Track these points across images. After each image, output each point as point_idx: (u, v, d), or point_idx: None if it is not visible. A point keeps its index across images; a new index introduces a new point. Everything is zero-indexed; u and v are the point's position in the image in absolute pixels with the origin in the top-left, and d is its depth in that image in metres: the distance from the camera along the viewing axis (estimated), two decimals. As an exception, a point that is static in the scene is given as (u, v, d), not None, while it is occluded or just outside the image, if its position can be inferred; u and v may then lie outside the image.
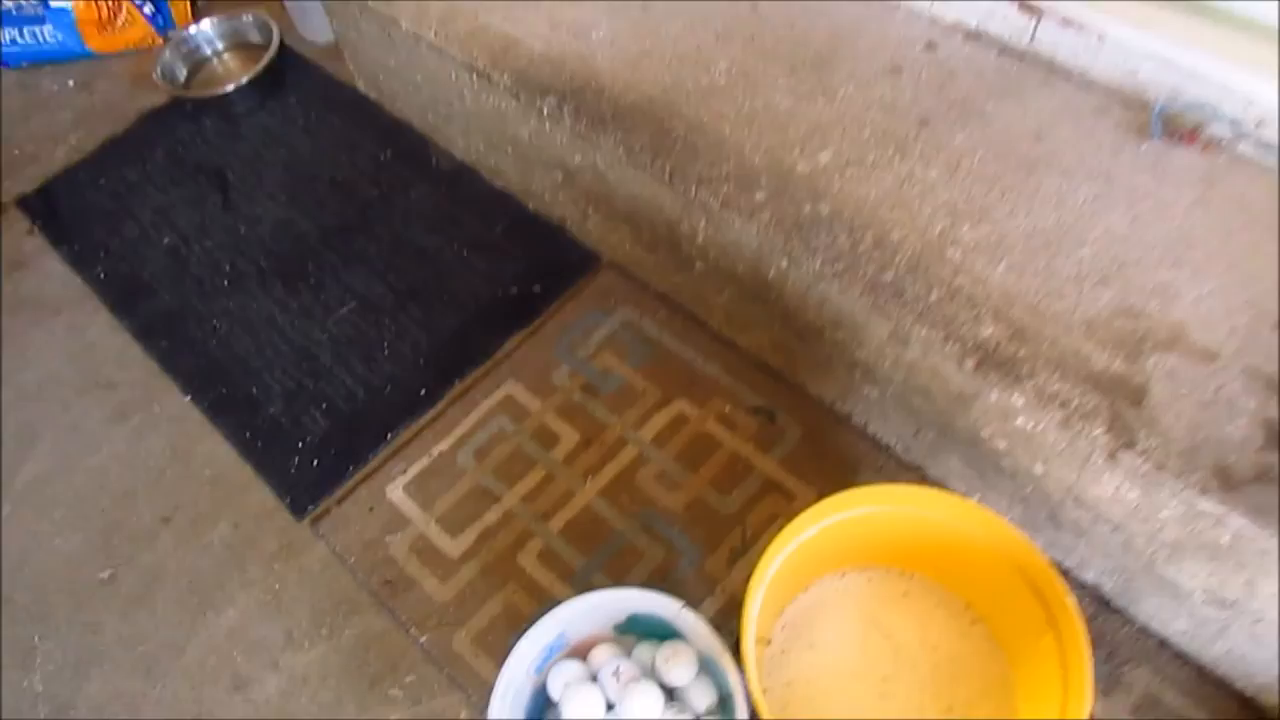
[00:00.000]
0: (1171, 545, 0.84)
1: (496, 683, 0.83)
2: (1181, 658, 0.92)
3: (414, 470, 1.16)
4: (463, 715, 0.99)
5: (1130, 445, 0.82)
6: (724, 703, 0.89)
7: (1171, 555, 0.85)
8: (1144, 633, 0.94)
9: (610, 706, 0.86)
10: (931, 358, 0.92)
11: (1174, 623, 0.92)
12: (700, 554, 1.05)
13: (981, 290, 0.91)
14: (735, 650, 0.81)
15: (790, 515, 1.06)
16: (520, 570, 1.06)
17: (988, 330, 0.89)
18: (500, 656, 0.97)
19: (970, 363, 0.90)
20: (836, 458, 1.10)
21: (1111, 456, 0.83)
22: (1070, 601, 0.72)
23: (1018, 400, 0.88)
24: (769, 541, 0.78)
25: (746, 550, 1.05)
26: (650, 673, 0.88)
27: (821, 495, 1.07)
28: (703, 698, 0.88)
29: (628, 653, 0.92)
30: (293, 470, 1.18)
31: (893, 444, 1.09)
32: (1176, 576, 0.86)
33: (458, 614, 1.05)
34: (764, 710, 0.70)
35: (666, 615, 0.87)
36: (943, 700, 0.84)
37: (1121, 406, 0.84)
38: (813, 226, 0.98)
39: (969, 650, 0.86)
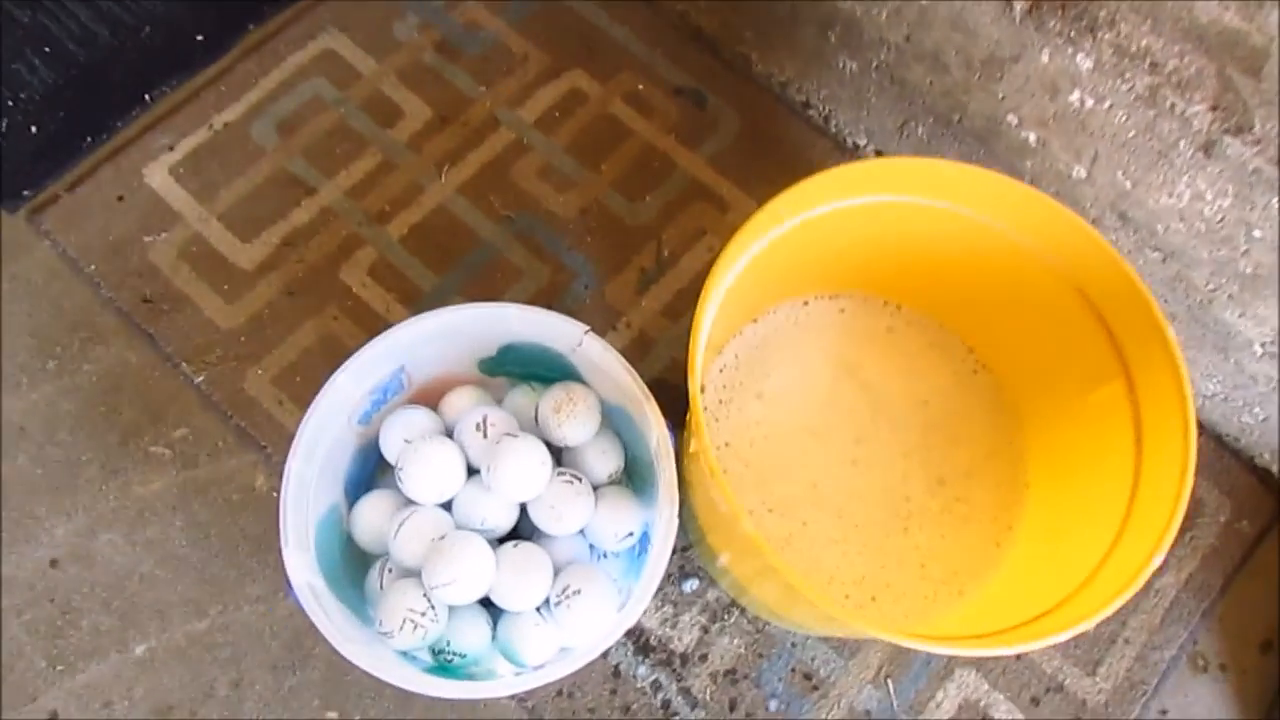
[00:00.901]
0: (1249, 278, 0.62)
1: (299, 433, 0.54)
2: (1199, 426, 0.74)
3: (185, 146, 0.80)
4: (259, 481, 0.70)
5: (1240, 130, 0.57)
6: (633, 470, 0.64)
7: (1243, 292, 0.63)
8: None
9: (473, 472, 0.59)
10: (962, -6, 0.63)
11: (1205, 384, 0.72)
12: (599, 275, 0.77)
13: (1050, -110, 0.61)
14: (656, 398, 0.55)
15: (725, 228, 0.78)
16: (343, 289, 0.75)
17: (1056, -52, 0.60)
18: (309, 399, 0.68)
19: (1021, 5, 0.61)
20: (784, 159, 0.82)
21: (1206, 147, 0.58)
22: (1170, 335, 0.49)
23: (1083, 63, 0.61)
24: (719, 251, 0.50)
25: (663, 273, 0.77)
26: (530, 428, 0.61)
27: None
28: (604, 463, 0.62)
29: (496, 402, 0.64)
30: (-5, 136, 0.79)
31: (863, 143, 0.82)
32: (1238, 322, 0.65)
33: (251, 346, 0.74)
34: (718, 476, 0.44)
35: (557, 345, 0.60)
36: (933, 469, 0.62)
37: (1233, 74, 0.57)
38: None
39: (969, 407, 0.64)
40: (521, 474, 0.56)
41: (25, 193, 0.79)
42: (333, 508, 0.59)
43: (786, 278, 0.63)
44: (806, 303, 0.66)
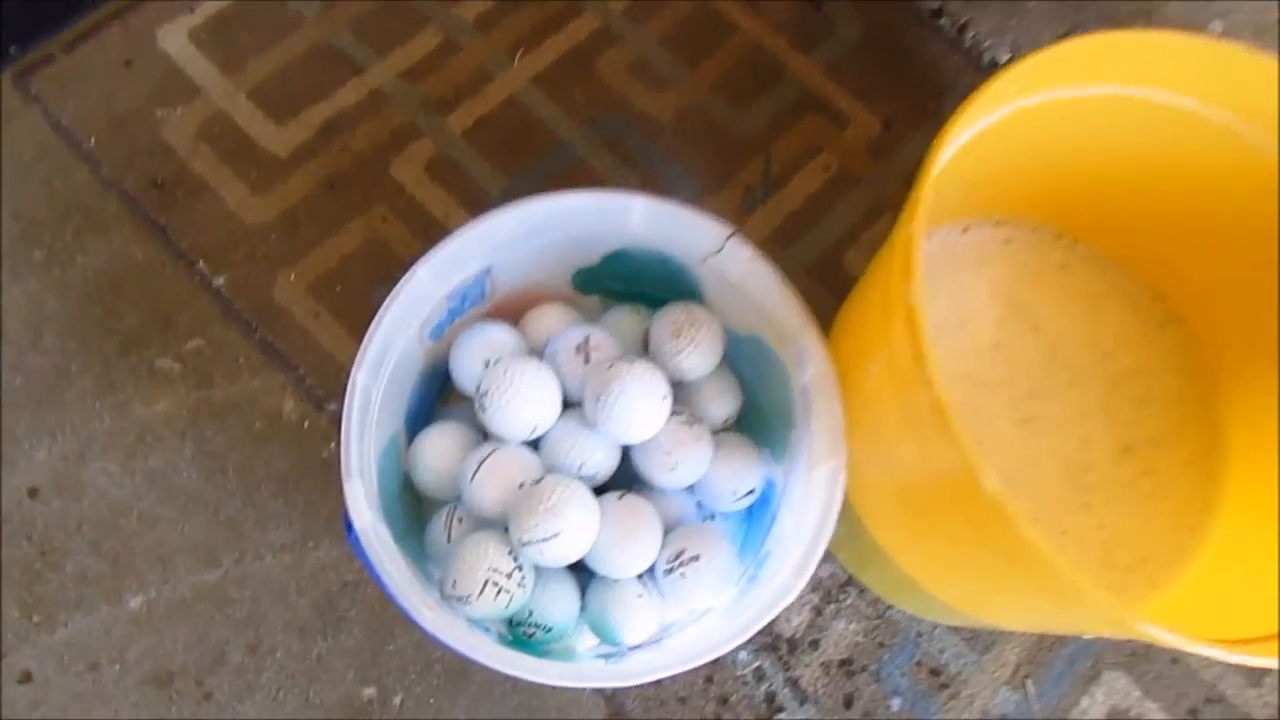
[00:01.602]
0: None
1: (368, 339, 0.43)
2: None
3: (208, 8, 0.67)
4: (287, 408, 0.58)
5: None
6: (747, 418, 0.53)
7: None
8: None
9: (568, 406, 0.48)
10: None
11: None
12: (697, 188, 0.65)
13: None
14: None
15: (842, 147, 0.67)
16: (395, 187, 0.63)
17: None
18: (355, 316, 0.57)
19: None
20: (910, 73, 0.70)
21: None
22: None
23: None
24: (934, 140, 0.38)
25: (771, 193, 0.66)
26: (633, 350, 0.50)
27: (889, 123, 0.68)
28: (721, 405, 0.51)
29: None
30: (-22, -21, 0.66)
31: (1005, 59, 0.70)
32: None
33: (282, 246, 0.62)
34: (947, 413, 0.33)
35: (683, 254, 0.48)
36: (1118, 434, 0.51)
37: None
38: None
39: (1156, 364, 0.53)
40: (638, 408, 0.44)
41: (13, 50, 0.65)
42: (393, 439, 0.48)
43: (950, 194, 0.52)
44: (966, 229, 0.55)
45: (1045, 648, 0.58)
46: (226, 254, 0.61)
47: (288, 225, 0.62)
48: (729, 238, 0.46)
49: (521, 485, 0.45)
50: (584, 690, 0.54)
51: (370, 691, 0.54)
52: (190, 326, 0.60)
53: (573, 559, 0.44)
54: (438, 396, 0.54)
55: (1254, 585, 0.45)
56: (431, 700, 0.54)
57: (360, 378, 0.42)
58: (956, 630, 0.57)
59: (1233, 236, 0.49)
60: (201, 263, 0.61)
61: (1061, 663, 0.57)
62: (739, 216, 0.65)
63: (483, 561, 0.44)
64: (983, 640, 0.57)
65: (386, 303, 0.43)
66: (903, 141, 0.68)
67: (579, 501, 0.43)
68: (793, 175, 0.66)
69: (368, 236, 0.62)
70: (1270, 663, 0.35)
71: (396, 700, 0.54)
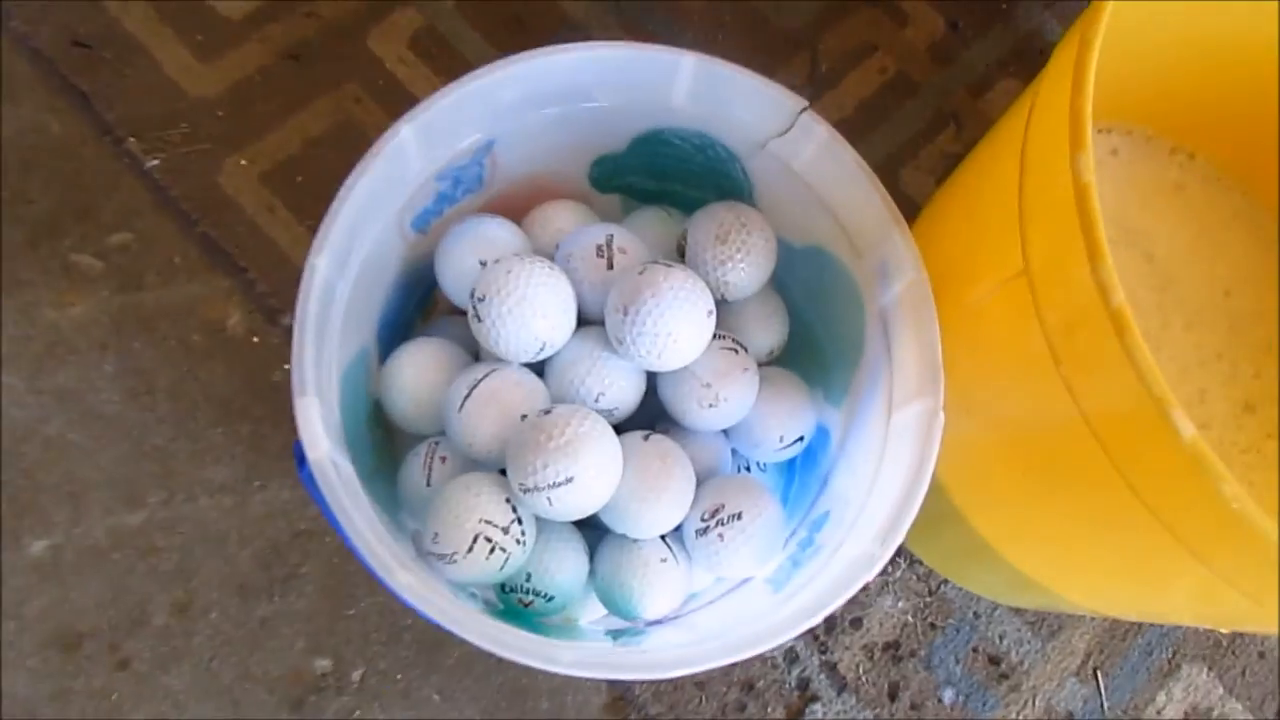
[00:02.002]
0: None
1: (330, 214, 0.32)
2: None
3: None
4: (232, 319, 0.48)
5: None
6: (794, 352, 0.43)
7: None
8: None
9: (584, 322, 0.38)
10: None
11: None
12: (734, 87, 0.55)
13: None
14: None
15: (900, 48, 0.57)
16: (372, 62, 0.53)
17: None
18: (319, 213, 0.46)
19: None
20: (979, -31, 0.61)
21: None
22: None
23: None
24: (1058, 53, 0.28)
25: (819, 93, 0.56)
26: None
27: (954, 23, 0.59)
28: (767, 332, 0.42)
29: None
30: None
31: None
32: None
33: (232, 125, 0.51)
34: (1132, 331, 0.24)
35: (735, 138, 0.38)
36: (1238, 389, 0.43)
37: None
38: None
39: (1282, 304, 0.45)
40: (676, 325, 0.35)
41: (-94, -127, 0.53)
42: (361, 356, 0.38)
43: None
44: (1068, 135, 0.45)
45: (1118, 635, 0.50)
46: (163, 131, 0.50)
47: (239, 100, 0.51)
48: (801, 113, 0.36)
49: (524, 417, 0.35)
50: (583, 670, 0.45)
51: (324, 663, 0.44)
52: (116, 217, 0.49)
53: (587, 511, 0.35)
54: (419, 308, 0.44)
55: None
56: (399, 676, 0.44)
57: (321, 265, 0.32)
58: (1019, 612, 0.49)
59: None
60: (131, 140, 0.50)
61: (1136, 653, 0.49)
62: (780, 120, 0.55)
63: (473, 511, 0.34)
64: (1048, 624, 0.49)
65: (359, 168, 0.33)
66: (969, 45, 0.58)
67: (599, 439, 0.34)
68: (843, 77, 0.56)
69: (337, 119, 0.51)
70: None
71: (356, 675, 0.44)
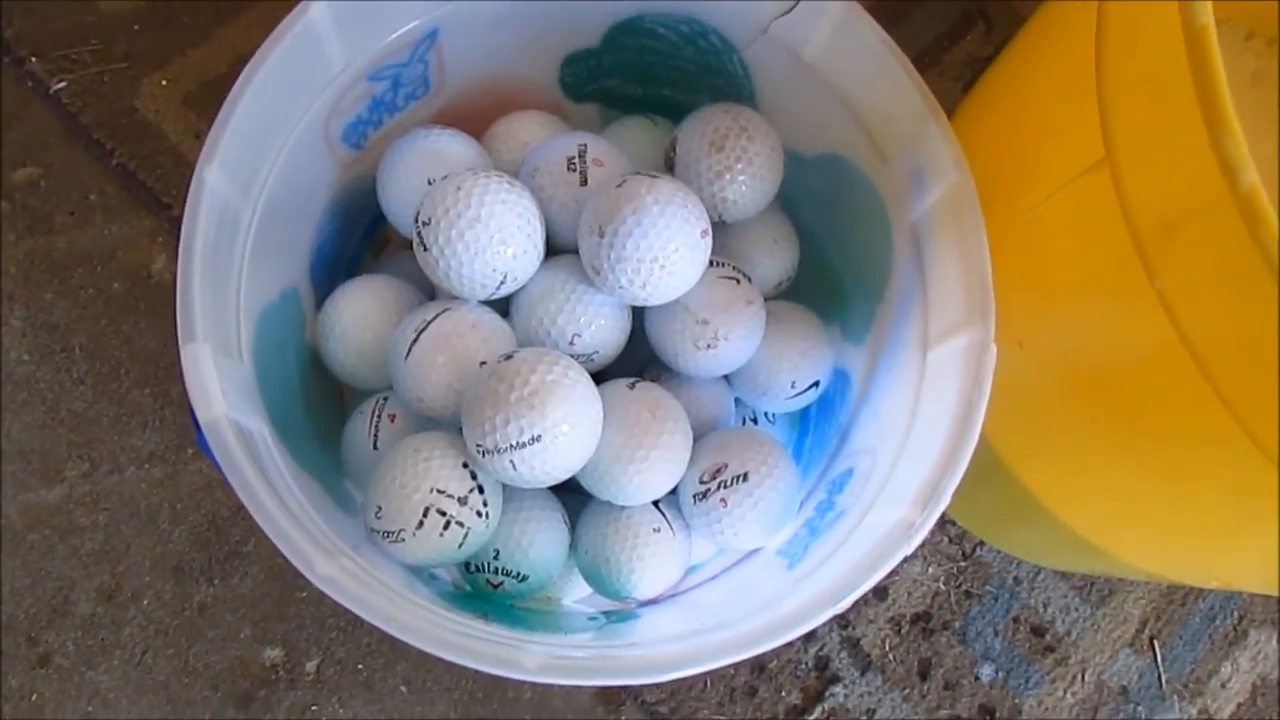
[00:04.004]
0: None
1: (220, 125, 0.26)
2: None
3: None
4: (157, 263, 0.42)
5: None
6: (807, 284, 0.37)
7: None
8: None
9: (556, 252, 0.32)
10: None
11: None
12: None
13: None
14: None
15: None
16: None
17: None
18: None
19: None
20: None
21: None
22: None
23: None
24: None
25: (829, -9, 0.48)
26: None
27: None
28: (774, 261, 0.36)
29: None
30: None
31: None
32: None
33: (150, 41, 0.44)
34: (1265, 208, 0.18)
35: (729, 24, 0.32)
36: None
37: None
38: None
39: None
40: (665, 247, 0.28)
41: None
42: (287, 296, 0.31)
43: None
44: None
45: (1177, 600, 0.44)
46: (70, 49, 0.43)
47: (158, 11, 0.44)
48: (806, -16, 0.29)
49: (483, 365, 0.29)
50: (570, 654, 0.40)
51: (274, 653, 0.39)
52: (19, 149, 0.42)
53: (560, 476, 0.29)
54: (367, 241, 0.37)
55: None
56: (360, 666, 0.39)
57: (213, 178, 0.25)
58: (1065, 577, 0.43)
59: None
60: (34, 60, 0.43)
61: (1198, 619, 0.44)
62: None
63: (422, 479, 0.28)
64: (1098, 590, 0.43)
65: (256, 57, 0.26)
66: (1001, -66, 0.51)
67: (571, 388, 0.28)
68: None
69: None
70: None
71: (310, 665, 0.39)
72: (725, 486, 0.31)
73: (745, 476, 0.31)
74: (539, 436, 0.27)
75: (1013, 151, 0.29)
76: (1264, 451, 0.22)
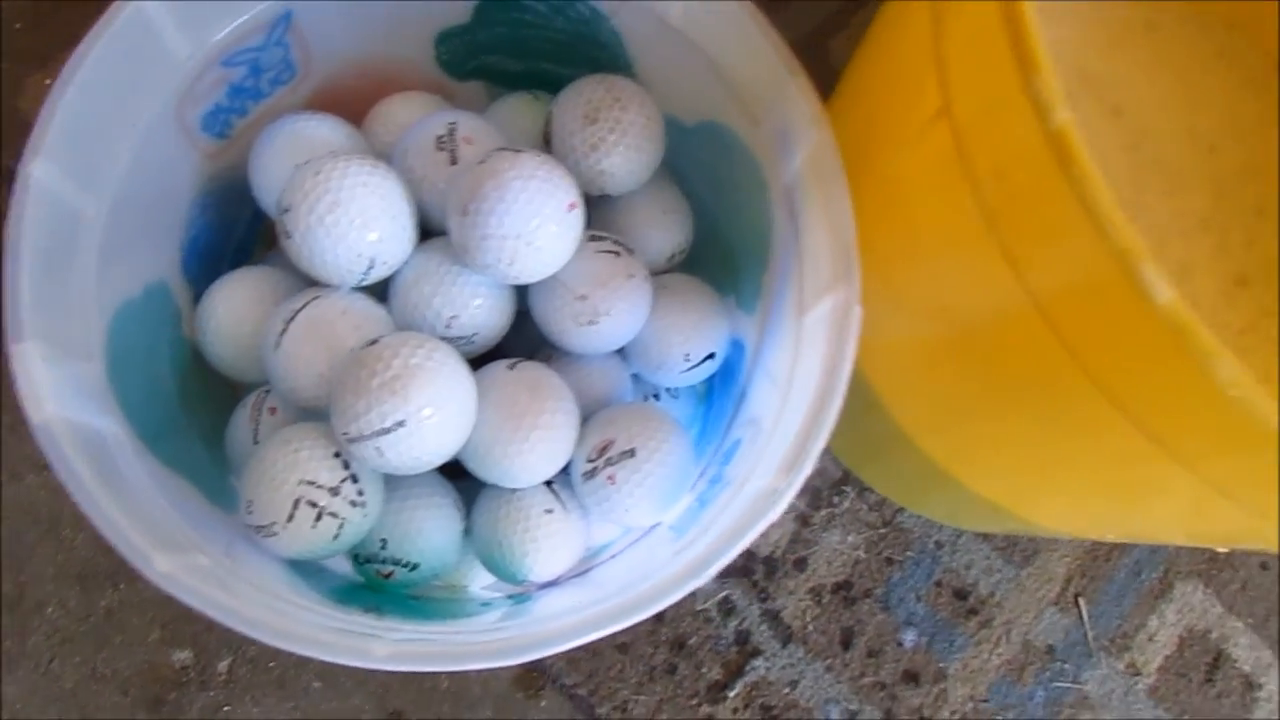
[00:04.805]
0: None
1: (47, 114, 0.25)
2: None
3: None
4: None
5: None
6: (704, 256, 0.37)
7: None
8: None
9: (429, 234, 0.31)
10: None
11: None
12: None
13: None
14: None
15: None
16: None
17: None
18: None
19: None
20: None
21: None
22: None
23: None
24: None
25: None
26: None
27: None
28: (664, 233, 0.35)
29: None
30: None
31: None
32: None
33: (34, 39, 0.43)
34: (1089, 170, 0.17)
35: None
36: (1230, 261, 0.36)
37: None
38: None
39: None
40: (530, 223, 0.28)
41: None
42: (153, 292, 0.31)
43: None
44: None
45: (1102, 557, 0.44)
46: (-50, 50, 0.42)
47: (40, 11, 0.43)
48: (664, -59, 0.28)
49: (355, 350, 0.29)
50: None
51: (184, 655, 0.38)
52: (-98, 155, 0.41)
53: (432, 461, 0.28)
54: (253, 233, 0.37)
55: None
56: (272, 664, 0.38)
57: (40, 173, 0.25)
58: (988, 538, 0.43)
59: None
60: (-87, 62, 0.42)
61: (1123, 574, 0.44)
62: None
63: (291, 471, 0.28)
64: (1021, 550, 0.43)
65: (81, 48, 0.25)
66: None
67: (437, 371, 0.27)
68: (759, -63, 0.48)
69: None
70: None
71: (222, 665, 0.38)
72: (612, 463, 0.31)
73: (633, 452, 0.31)
74: (403, 422, 0.26)
75: (876, 105, 0.29)
76: (1115, 405, 0.22)
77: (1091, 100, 0.37)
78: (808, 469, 0.25)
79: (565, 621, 0.24)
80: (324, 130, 0.32)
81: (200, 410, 0.33)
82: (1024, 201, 0.20)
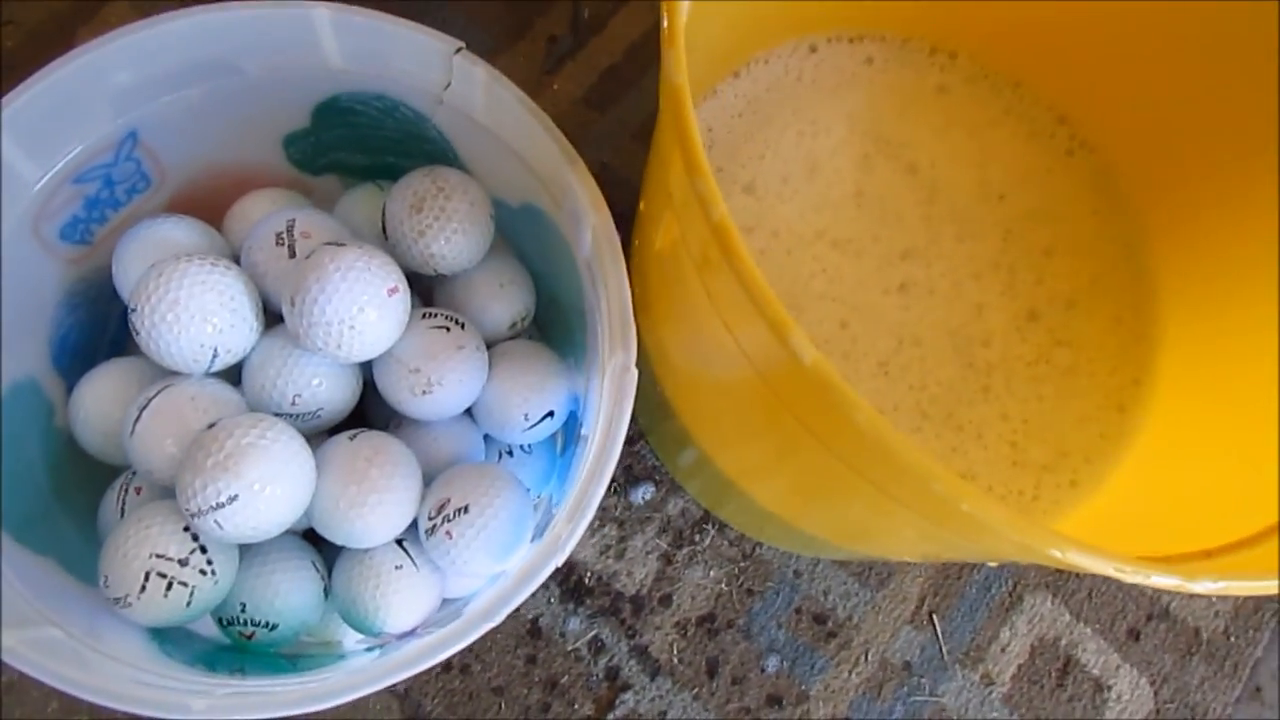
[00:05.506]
0: None
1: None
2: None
3: None
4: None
5: None
6: (550, 319, 0.40)
7: None
8: None
9: (279, 320, 0.35)
10: None
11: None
12: (488, 46, 0.51)
13: None
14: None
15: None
16: None
17: None
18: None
19: None
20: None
21: None
22: None
23: None
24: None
25: (582, 44, 0.52)
26: (380, 247, 0.36)
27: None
28: (503, 304, 0.38)
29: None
30: None
31: None
32: None
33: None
34: (746, 263, 0.21)
35: (414, 96, 0.35)
36: (1019, 298, 0.40)
37: None
38: None
39: (1064, 204, 0.41)
40: (352, 310, 0.31)
41: None
42: (20, 388, 0.34)
43: (784, 5, 0.39)
44: (814, 48, 0.42)
45: (953, 575, 0.47)
46: None
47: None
48: (457, 54, 0.32)
49: (200, 431, 0.32)
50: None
51: (83, 725, 0.41)
52: None
53: (271, 531, 0.31)
54: (125, 329, 0.40)
55: (1204, 476, 0.34)
56: (167, 727, 0.41)
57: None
58: (843, 565, 0.46)
59: (1151, 37, 0.37)
60: None
61: (974, 590, 0.47)
62: (542, 76, 0.51)
63: (142, 546, 0.31)
64: (876, 574, 0.46)
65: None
66: (747, -29, 0.54)
67: (269, 448, 0.30)
68: (609, 19, 0.53)
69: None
70: (1243, 585, 0.24)
71: (119, 733, 0.41)
72: (448, 520, 0.34)
73: (466, 509, 0.34)
74: (236, 496, 0.29)
75: (648, 192, 0.32)
76: (832, 452, 0.25)
77: (886, 162, 0.41)
78: (585, 520, 0.28)
79: (376, 666, 0.27)
80: (179, 232, 0.35)
81: (77, 494, 0.36)
82: (718, 280, 0.24)
